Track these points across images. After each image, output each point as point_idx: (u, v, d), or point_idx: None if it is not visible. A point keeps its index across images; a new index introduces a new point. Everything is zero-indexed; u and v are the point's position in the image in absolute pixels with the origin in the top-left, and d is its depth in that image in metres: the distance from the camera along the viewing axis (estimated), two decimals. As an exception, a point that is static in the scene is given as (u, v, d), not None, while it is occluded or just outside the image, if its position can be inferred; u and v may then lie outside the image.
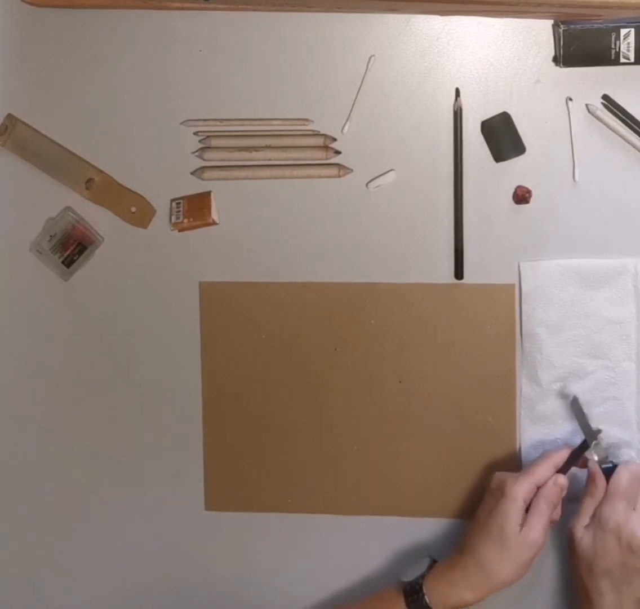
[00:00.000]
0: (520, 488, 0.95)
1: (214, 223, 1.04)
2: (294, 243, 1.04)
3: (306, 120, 1.03)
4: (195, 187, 1.05)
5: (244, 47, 1.02)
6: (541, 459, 0.98)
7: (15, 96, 1.05)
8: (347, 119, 1.02)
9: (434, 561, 0.99)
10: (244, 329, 1.06)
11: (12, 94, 1.05)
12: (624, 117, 0.99)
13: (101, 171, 1.05)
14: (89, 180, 1.05)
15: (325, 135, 1.02)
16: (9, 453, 1.10)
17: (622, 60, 0.97)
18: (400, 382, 1.05)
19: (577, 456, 0.98)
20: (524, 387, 1.03)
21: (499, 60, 1.00)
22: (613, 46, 0.96)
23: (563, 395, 1.02)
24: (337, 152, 1.03)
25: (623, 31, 0.96)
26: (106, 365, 1.08)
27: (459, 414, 1.04)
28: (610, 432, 1.01)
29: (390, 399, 1.05)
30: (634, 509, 0.95)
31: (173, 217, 1.04)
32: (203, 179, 1.04)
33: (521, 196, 1.00)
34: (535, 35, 0.99)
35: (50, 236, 1.06)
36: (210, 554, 1.09)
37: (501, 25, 1.00)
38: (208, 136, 1.03)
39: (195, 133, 1.04)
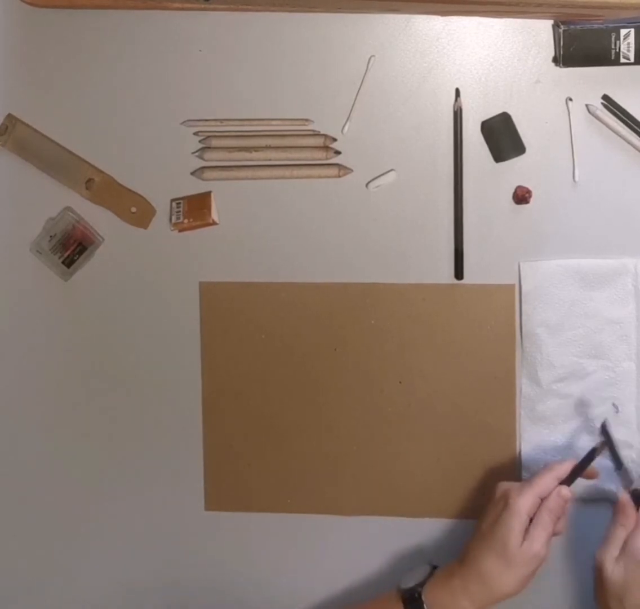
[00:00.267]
0: (524, 501, 0.93)
1: (214, 223, 1.04)
2: (294, 243, 1.04)
3: (306, 120, 1.03)
4: (195, 187, 1.05)
5: (244, 47, 1.02)
6: (545, 471, 0.96)
7: (15, 96, 1.05)
8: (347, 119, 1.02)
9: (434, 568, 0.98)
10: (244, 329, 1.06)
11: (12, 94, 1.05)
12: (624, 117, 0.99)
13: (101, 171, 1.05)
14: (89, 180, 1.05)
15: (325, 136, 1.02)
16: (9, 453, 1.10)
17: (622, 60, 0.97)
18: (400, 382, 1.05)
19: (583, 468, 0.96)
20: (524, 387, 1.03)
21: (499, 60, 1.00)
22: (613, 46, 0.96)
23: (564, 396, 1.02)
24: (337, 152, 1.03)
25: (623, 31, 0.96)
26: (106, 365, 1.08)
27: (459, 415, 1.04)
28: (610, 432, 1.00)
29: (390, 400, 1.05)
30: None
31: (173, 217, 1.04)
32: (203, 179, 1.04)
33: (521, 196, 1.00)
34: (535, 35, 0.99)
35: (51, 236, 1.06)
36: (210, 554, 1.09)
37: (501, 25, 1.00)
38: (208, 136, 1.03)
39: (196, 133, 1.04)
